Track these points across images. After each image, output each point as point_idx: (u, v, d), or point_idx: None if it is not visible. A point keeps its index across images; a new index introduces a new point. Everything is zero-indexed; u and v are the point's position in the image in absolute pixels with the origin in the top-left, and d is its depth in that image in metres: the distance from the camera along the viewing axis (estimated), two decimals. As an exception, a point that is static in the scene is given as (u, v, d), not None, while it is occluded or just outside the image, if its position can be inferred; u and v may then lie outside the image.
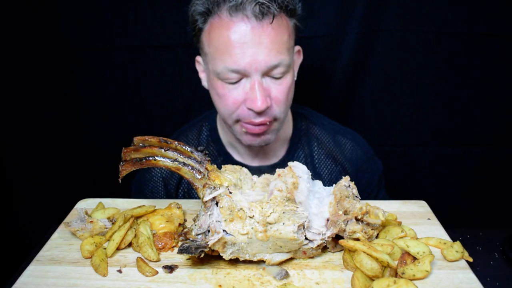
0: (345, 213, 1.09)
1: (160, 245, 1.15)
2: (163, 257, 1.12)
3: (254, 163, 1.74)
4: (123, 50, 2.14)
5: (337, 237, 1.11)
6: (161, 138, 1.19)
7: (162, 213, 1.23)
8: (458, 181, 2.34)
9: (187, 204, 1.35)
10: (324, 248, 1.13)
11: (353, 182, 1.17)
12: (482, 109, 2.18)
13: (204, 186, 1.11)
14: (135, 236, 1.15)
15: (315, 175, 1.73)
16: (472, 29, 2.02)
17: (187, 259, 1.11)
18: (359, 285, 0.97)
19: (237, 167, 1.20)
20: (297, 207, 1.06)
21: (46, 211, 2.30)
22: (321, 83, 2.18)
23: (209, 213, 1.08)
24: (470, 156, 2.28)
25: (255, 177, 1.21)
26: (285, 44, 1.45)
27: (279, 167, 1.18)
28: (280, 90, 1.48)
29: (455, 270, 1.05)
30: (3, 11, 2.03)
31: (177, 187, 1.75)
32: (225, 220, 1.05)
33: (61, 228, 1.24)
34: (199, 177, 1.13)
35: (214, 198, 1.09)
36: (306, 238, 1.08)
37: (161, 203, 1.30)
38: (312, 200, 1.14)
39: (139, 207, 1.26)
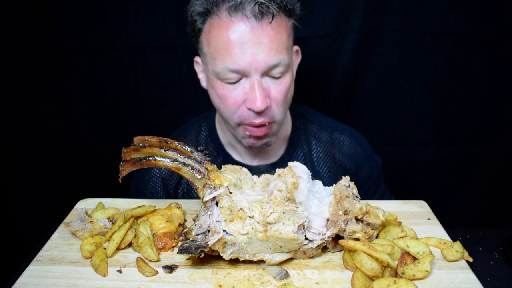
0: (345, 213, 1.09)
1: (160, 245, 1.15)
2: (163, 257, 1.12)
3: (254, 162, 1.75)
4: (123, 50, 2.14)
5: (337, 237, 1.11)
6: (161, 138, 1.19)
7: (162, 213, 1.23)
8: (458, 181, 2.34)
9: (187, 204, 1.35)
10: (324, 248, 1.13)
11: (353, 182, 1.17)
12: (482, 109, 2.18)
13: (204, 186, 1.11)
14: (135, 236, 1.15)
15: (314, 173, 1.74)
16: (472, 29, 2.02)
17: (187, 259, 1.11)
18: (359, 285, 0.97)
19: (237, 167, 1.20)
20: (297, 207, 1.06)
21: (46, 211, 2.29)
22: (321, 83, 2.18)
23: (209, 213, 1.08)
24: (470, 156, 2.28)
25: (255, 177, 1.21)
26: (284, 43, 1.45)
27: (278, 166, 1.18)
28: (279, 90, 1.48)
29: (455, 270, 1.05)
30: (3, 11, 2.03)
31: (177, 188, 1.75)
32: (225, 220, 1.05)
33: (61, 228, 1.24)
34: (199, 177, 1.13)
35: (214, 198, 1.09)
36: (306, 238, 1.08)
37: (161, 203, 1.30)
38: (312, 200, 1.14)
39: (139, 207, 1.26)
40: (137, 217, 1.23)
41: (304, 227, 1.07)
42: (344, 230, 1.08)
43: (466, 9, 1.98)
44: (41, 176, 2.37)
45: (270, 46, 1.40)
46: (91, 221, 1.17)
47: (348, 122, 1.93)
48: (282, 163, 1.72)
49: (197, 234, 1.08)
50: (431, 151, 2.30)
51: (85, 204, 1.37)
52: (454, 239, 1.16)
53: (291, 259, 1.10)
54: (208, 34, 1.47)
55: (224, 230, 1.04)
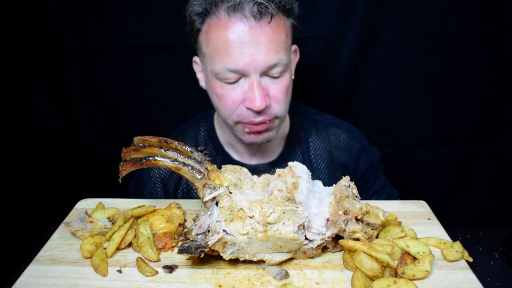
0: (345, 213, 1.09)
1: (160, 245, 1.15)
2: (163, 257, 1.12)
3: (253, 161, 1.75)
4: (123, 50, 2.14)
5: (337, 237, 1.11)
6: (161, 138, 1.19)
7: (162, 213, 1.23)
8: (458, 181, 2.34)
9: (187, 204, 1.35)
10: (324, 248, 1.13)
11: (353, 182, 1.17)
12: (482, 109, 2.18)
13: (204, 186, 1.11)
14: (135, 236, 1.15)
15: (313, 170, 1.74)
16: (472, 29, 2.02)
17: (187, 259, 1.11)
18: (359, 285, 0.97)
19: (237, 167, 1.20)
20: (297, 207, 1.06)
21: (46, 211, 2.29)
22: (321, 83, 2.18)
23: (209, 213, 1.08)
24: (470, 156, 2.28)
25: (255, 177, 1.21)
26: (283, 43, 1.45)
27: (277, 164, 1.18)
28: (278, 89, 1.48)
29: (455, 270, 1.05)
30: (3, 11, 2.03)
31: (176, 188, 1.75)
32: (225, 220, 1.05)
33: (61, 228, 1.24)
34: (199, 177, 1.13)
35: (214, 198, 1.09)
36: (306, 238, 1.08)
37: (161, 203, 1.29)
38: (312, 200, 1.14)
39: (139, 207, 1.26)
40: (137, 217, 1.23)
41: (304, 227, 1.07)
42: (344, 230, 1.08)
43: (466, 9, 1.99)
44: (41, 176, 2.37)
45: (269, 46, 1.40)
46: (91, 221, 1.17)
47: (348, 122, 1.93)
48: (280, 161, 1.72)
49: (197, 234, 1.08)
50: (431, 151, 2.30)
51: (85, 204, 1.37)
52: (454, 239, 1.16)
53: (291, 259, 1.10)
54: (207, 34, 1.47)
55: (224, 230, 1.04)
